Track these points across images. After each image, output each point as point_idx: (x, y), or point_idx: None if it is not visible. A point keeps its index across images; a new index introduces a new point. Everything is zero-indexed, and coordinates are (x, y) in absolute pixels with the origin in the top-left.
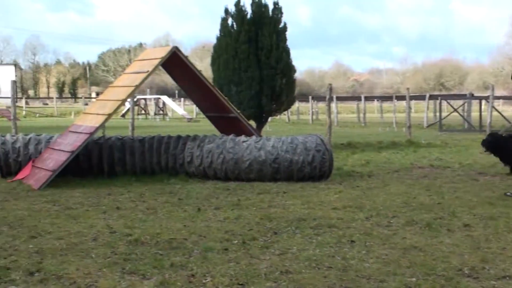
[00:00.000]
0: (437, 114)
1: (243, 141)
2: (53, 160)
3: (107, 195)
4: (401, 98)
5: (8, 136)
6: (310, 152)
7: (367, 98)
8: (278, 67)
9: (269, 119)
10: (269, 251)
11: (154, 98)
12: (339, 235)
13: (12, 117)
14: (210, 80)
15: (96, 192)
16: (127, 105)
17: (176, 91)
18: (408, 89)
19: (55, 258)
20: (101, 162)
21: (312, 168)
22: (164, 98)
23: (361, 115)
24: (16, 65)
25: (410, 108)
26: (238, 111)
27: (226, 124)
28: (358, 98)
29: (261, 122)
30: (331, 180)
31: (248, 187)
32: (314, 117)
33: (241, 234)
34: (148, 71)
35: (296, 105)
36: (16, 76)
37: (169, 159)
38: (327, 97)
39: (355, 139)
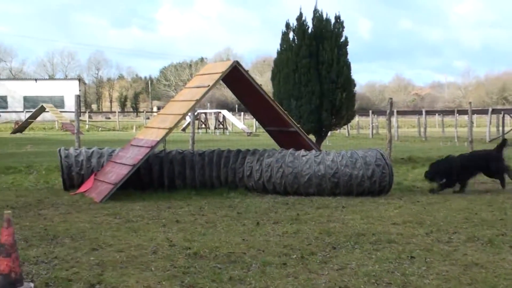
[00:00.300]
0: (500, 128)
1: (303, 155)
2: (115, 173)
3: (167, 208)
4: (463, 112)
5: (71, 150)
6: (370, 166)
7: (428, 112)
8: (339, 81)
9: (329, 133)
10: (328, 266)
11: (215, 112)
12: (399, 251)
13: (75, 131)
14: (270, 94)
15: (156, 206)
16: (188, 119)
17: (236, 105)
18: (470, 103)
19: (115, 270)
20: (161, 175)
21: (371, 183)
22: (224, 112)
23: (422, 129)
24: (80, 79)
25: (472, 122)
26: (298, 125)
27: (286, 138)
28: (419, 112)
29: (320, 136)
30: (391, 195)
31: (307, 202)
32: (374, 131)
33: (299, 249)
34: (208, 86)
35: (356, 119)
36: (80, 90)
37: (229, 173)
38: (388, 111)
39: (415, 154)
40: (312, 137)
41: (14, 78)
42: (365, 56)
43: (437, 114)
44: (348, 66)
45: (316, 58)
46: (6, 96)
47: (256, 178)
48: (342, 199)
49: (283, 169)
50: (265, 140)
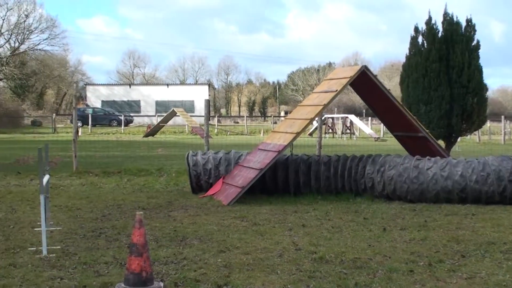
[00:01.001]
0: None
1: (427, 169)
2: (242, 177)
3: (293, 212)
4: None
5: (199, 156)
6: (502, 182)
7: None
8: (470, 85)
9: (459, 139)
10: (456, 274)
11: (342, 117)
12: None
13: (205, 135)
14: (399, 99)
15: (283, 209)
16: (315, 123)
17: (364, 110)
18: None
19: (242, 272)
20: (287, 183)
21: (502, 197)
22: (352, 117)
23: None
24: (210, 84)
25: None
26: (427, 130)
27: (414, 144)
28: None
29: (450, 142)
30: None
31: (435, 208)
32: (507, 137)
33: (427, 256)
34: (336, 90)
35: (488, 124)
36: (209, 95)
37: (352, 184)
38: None
39: None
40: (441, 142)
41: (147, 83)
42: (498, 60)
43: None
44: (479, 70)
45: (446, 62)
46: (139, 101)
47: (379, 189)
48: (471, 206)
49: (407, 185)
50: (392, 145)
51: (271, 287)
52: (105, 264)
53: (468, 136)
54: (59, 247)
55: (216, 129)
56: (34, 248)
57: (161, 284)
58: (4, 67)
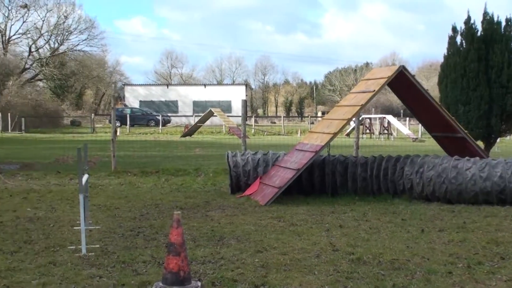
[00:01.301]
0: None
1: (466, 169)
2: (280, 177)
3: (331, 213)
4: None
5: (238, 157)
6: None
7: None
8: (509, 85)
9: (498, 139)
10: (496, 276)
11: (379, 117)
12: None
13: (242, 135)
14: (437, 99)
15: (320, 210)
16: (352, 124)
17: (402, 111)
18: None
19: (279, 272)
20: (323, 184)
21: None
22: (389, 117)
23: None
24: (247, 85)
25: None
26: (466, 131)
27: (453, 144)
28: None
29: (489, 143)
30: None
31: (474, 210)
32: None
33: (466, 258)
34: (374, 91)
35: None
36: (246, 95)
37: (389, 185)
38: None
39: None
40: (480, 143)
41: (185, 83)
42: None
43: None
44: None
45: (485, 62)
46: (177, 101)
47: (418, 191)
48: (511, 208)
49: (446, 185)
50: (430, 146)
51: (308, 287)
52: (143, 263)
53: (508, 137)
54: (98, 246)
55: (253, 129)
56: (74, 247)
57: (199, 283)
58: (44, 68)
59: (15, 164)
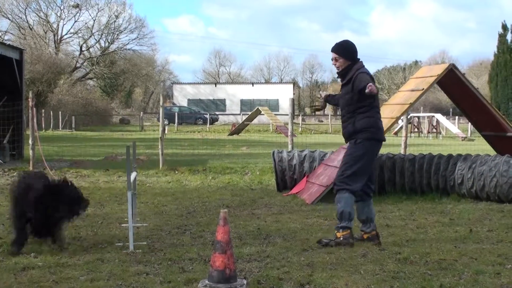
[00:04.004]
0: None
1: None
2: (327, 175)
3: (378, 212)
4: None
5: (284, 153)
6: None
7: None
8: None
9: None
10: None
11: (428, 116)
12: None
13: (289, 134)
14: (487, 98)
15: None
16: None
17: (451, 109)
18: None
19: (325, 271)
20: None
21: None
22: (438, 116)
23: None
24: (294, 83)
25: None
26: None
27: (504, 144)
28: None
29: None
30: None
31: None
32: None
33: None
34: (423, 89)
35: None
36: (294, 94)
37: (439, 180)
38: None
39: None
40: None
41: (233, 82)
42: None
43: None
44: None
45: None
46: (225, 99)
47: (468, 186)
48: None
49: (497, 179)
50: (480, 145)
51: (354, 287)
52: (190, 260)
53: None
54: (145, 243)
55: (300, 128)
56: (121, 244)
57: (244, 281)
58: (94, 67)
59: (65, 161)
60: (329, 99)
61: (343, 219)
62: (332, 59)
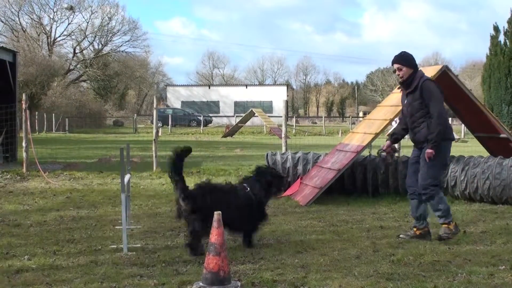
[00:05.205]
0: None
1: (511, 166)
2: (320, 177)
3: (372, 214)
4: None
5: (278, 156)
6: None
7: None
8: None
9: None
10: None
11: None
12: None
13: (282, 135)
14: (480, 100)
15: (361, 211)
16: (394, 124)
17: None
18: None
19: (319, 273)
20: (364, 183)
21: None
22: None
23: None
24: (288, 85)
25: None
26: (510, 131)
27: (496, 145)
28: None
29: None
30: None
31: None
32: None
33: (508, 260)
34: None
35: None
36: (287, 96)
37: None
38: None
39: None
40: None
41: (226, 84)
42: None
43: None
44: None
45: None
46: (218, 101)
47: (461, 188)
48: None
49: (490, 181)
50: (473, 146)
51: None
52: (184, 262)
53: None
54: (139, 245)
55: (294, 130)
56: (115, 246)
57: (238, 283)
58: (88, 69)
59: (59, 164)
60: (391, 145)
61: (448, 214)
62: (394, 70)
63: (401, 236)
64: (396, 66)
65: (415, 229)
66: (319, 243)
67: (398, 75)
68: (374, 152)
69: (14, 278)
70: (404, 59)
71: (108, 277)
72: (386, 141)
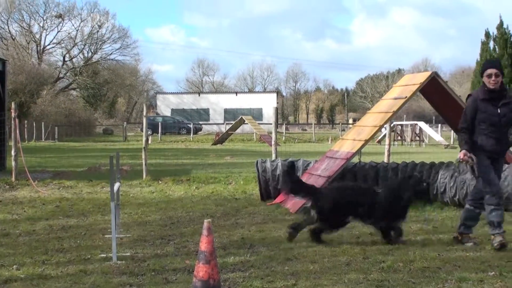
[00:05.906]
0: None
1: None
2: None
3: None
4: None
5: (268, 163)
6: None
7: None
8: None
9: None
10: None
11: (411, 124)
12: None
13: (272, 143)
14: None
15: None
16: (383, 131)
17: (434, 117)
18: None
19: (309, 280)
20: None
21: None
22: (421, 124)
23: None
24: (278, 92)
25: None
26: None
27: None
28: None
29: None
30: None
31: (507, 217)
32: None
33: (498, 266)
34: (406, 97)
35: None
36: (277, 103)
37: None
38: None
39: None
40: None
41: (216, 91)
42: None
43: None
44: None
45: None
46: (208, 109)
47: (451, 195)
48: None
49: None
50: None
51: None
52: (174, 271)
53: None
54: (128, 254)
55: (284, 137)
56: (105, 255)
57: None
58: (77, 77)
59: (48, 172)
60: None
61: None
62: (491, 75)
63: (502, 241)
64: (494, 71)
65: (499, 236)
66: (309, 250)
67: (494, 81)
68: (364, 159)
69: None
70: (501, 66)
71: (98, 286)
72: (460, 151)
